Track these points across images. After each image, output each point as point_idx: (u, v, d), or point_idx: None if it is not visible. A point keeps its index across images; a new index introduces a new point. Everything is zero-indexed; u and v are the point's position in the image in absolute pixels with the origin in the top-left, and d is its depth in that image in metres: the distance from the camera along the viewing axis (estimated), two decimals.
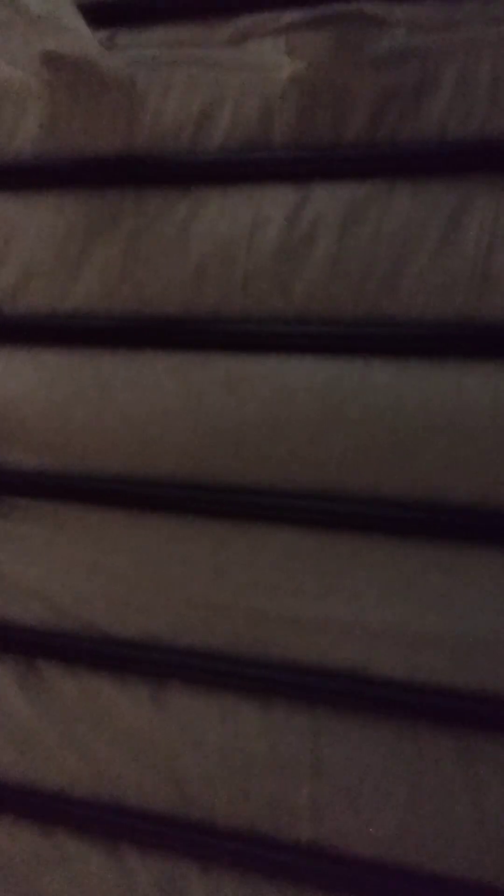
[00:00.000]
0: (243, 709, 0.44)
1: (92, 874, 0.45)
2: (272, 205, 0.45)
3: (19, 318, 0.49)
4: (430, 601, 0.42)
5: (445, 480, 0.42)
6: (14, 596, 0.48)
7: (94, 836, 0.45)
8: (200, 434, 0.45)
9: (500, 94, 0.43)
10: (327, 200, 0.44)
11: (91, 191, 0.49)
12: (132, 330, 0.47)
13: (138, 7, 0.51)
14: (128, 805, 0.45)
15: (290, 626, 0.44)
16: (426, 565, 0.42)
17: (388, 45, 0.44)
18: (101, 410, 0.47)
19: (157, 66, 0.48)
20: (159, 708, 0.45)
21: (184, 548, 0.46)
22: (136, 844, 0.45)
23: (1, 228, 0.50)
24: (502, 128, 0.42)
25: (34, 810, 0.47)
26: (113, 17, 0.51)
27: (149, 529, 0.47)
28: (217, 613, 0.45)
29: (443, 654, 0.41)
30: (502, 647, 0.40)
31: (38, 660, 0.48)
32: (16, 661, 0.48)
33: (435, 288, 0.42)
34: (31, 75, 0.49)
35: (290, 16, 0.46)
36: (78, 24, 0.48)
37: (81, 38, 0.48)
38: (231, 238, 0.45)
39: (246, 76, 0.46)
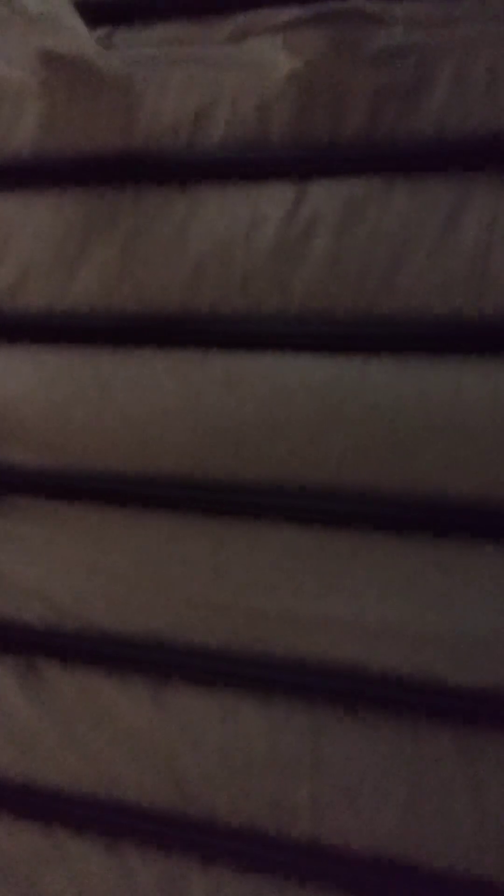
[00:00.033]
0: (243, 707, 0.44)
1: (92, 873, 0.45)
2: (270, 203, 0.45)
3: (18, 317, 0.49)
4: (430, 599, 0.42)
5: (445, 478, 0.42)
6: (13, 595, 0.48)
7: (94, 834, 0.45)
8: (200, 433, 0.45)
9: (497, 92, 0.43)
10: (325, 198, 0.44)
11: (89, 190, 0.49)
12: (131, 329, 0.47)
13: (136, 5, 0.51)
14: (128, 804, 0.45)
15: (291, 625, 0.44)
16: (426, 564, 0.42)
17: (386, 42, 0.44)
18: (100, 409, 0.47)
19: (155, 65, 0.48)
20: (159, 707, 0.45)
21: (183, 546, 0.46)
22: (136, 843, 0.44)
23: None
24: (500, 125, 0.42)
25: (34, 809, 0.46)
26: (110, 16, 0.51)
27: (148, 528, 0.47)
28: (217, 612, 0.45)
29: (443, 652, 0.41)
30: (502, 645, 0.40)
31: (37, 659, 0.47)
32: (15, 661, 0.48)
33: (434, 286, 0.42)
34: (28, 74, 0.50)
35: (288, 14, 0.46)
36: (75, 22, 0.48)
37: (79, 36, 0.48)
38: (229, 237, 0.45)
39: (243, 74, 0.46)
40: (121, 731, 0.46)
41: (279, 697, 0.43)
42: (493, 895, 0.40)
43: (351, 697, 0.43)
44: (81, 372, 0.48)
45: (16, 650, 0.48)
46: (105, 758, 0.46)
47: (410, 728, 0.41)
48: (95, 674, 0.46)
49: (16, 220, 0.49)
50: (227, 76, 0.47)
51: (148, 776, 0.45)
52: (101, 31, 0.51)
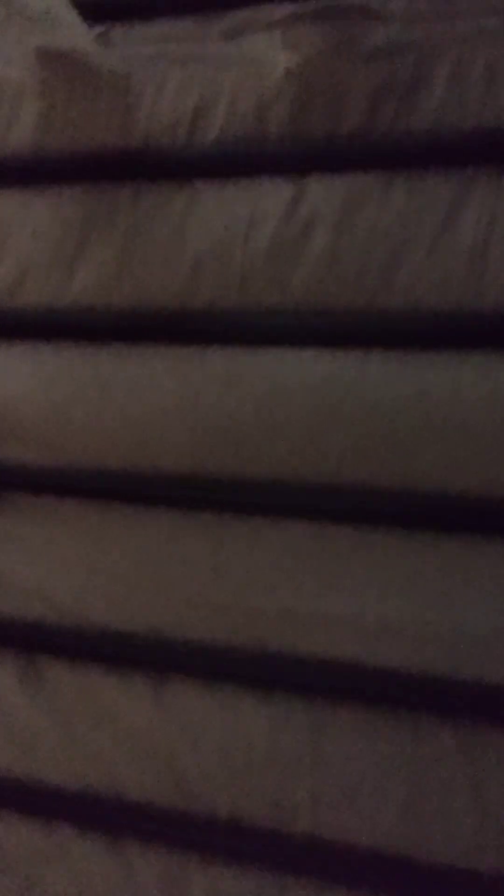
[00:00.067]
0: (244, 705, 0.44)
1: (93, 871, 0.45)
2: (268, 200, 0.45)
3: (16, 316, 0.49)
4: (431, 597, 0.42)
5: (445, 476, 0.42)
6: (13, 594, 0.48)
7: (94, 832, 0.45)
8: (199, 431, 0.45)
9: (496, 89, 0.42)
10: (323, 195, 0.44)
11: (88, 188, 0.49)
12: (130, 327, 0.47)
13: (133, 3, 0.51)
14: (128, 802, 0.45)
15: (291, 623, 0.44)
16: (426, 561, 0.42)
17: (384, 39, 0.44)
18: (99, 408, 0.47)
19: (153, 63, 0.48)
20: (159, 705, 0.45)
21: (183, 545, 0.46)
22: (136, 841, 0.45)
23: None
24: (498, 121, 0.42)
25: (35, 807, 0.47)
26: (108, 13, 0.51)
27: (148, 527, 0.47)
28: (217, 610, 0.45)
29: (443, 650, 0.41)
30: (502, 643, 0.40)
31: (37, 657, 0.48)
32: (15, 659, 0.48)
33: (433, 283, 0.42)
34: (26, 73, 0.50)
35: (286, 10, 0.46)
36: (74, 20, 0.48)
37: (77, 34, 0.48)
38: (228, 234, 0.45)
39: (241, 72, 0.46)
40: (121, 729, 0.46)
41: (279, 695, 0.43)
42: (494, 892, 0.40)
43: (351, 695, 0.43)
44: (81, 370, 0.48)
45: (16, 648, 0.48)
46: (105, 756, 0.46)
47: (411, 726, 0.41)
48: (95, 672, 0.46)
49: (14, 219, 0.49)
50: (225, 74, 0.47)
51: (148, 774, 0.45)
52: (99, 29, 0.51)
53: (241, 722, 0.44)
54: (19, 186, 0.50)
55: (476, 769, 0.40)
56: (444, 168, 0.43)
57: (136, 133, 0.47)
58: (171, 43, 0.49)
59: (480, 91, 0.43)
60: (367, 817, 0.42)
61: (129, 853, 0.45)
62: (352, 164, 0.44)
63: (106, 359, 0.47)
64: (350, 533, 0.43)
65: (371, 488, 0.43)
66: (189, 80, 0.47)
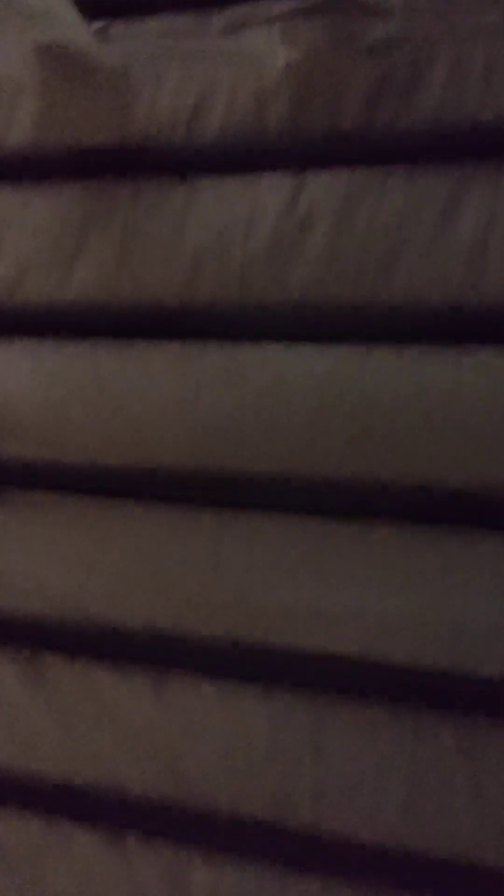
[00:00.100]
0: (244, 701, 0.44)
1: (94, 866, 0.45)
2: (268, 194, 0.45)
3: (15, 313, 0.49)
4: (430, 589, 0.42)
5: (445, 470, 0.42)
6: (12, 590, 0.48)
7: (96, 826, 0.45)
8: (199, 426, 0.45)
9: (494, 82, 0.42)
10: (323, 189, 0.44)
11: (86, 184, 0.48)
12: (129, 323, 0.47)
13: None
14: (130, 795, 0.45)
15: (291, 619, 0.44)
16: (427, 557, 0.42)
17: (383, 34, 0.44)
18: (99, 404, 0.47)
19: (152, 59, 0.48)
20: (160, 701, 0.45)
21: (183, 541, 0.46)
22: (137, 836, 0.45)
23: None
24: (497, 115, 0.42)
25: (35, 803, 0.47)
26: (106, 9, 0.51)
27: (148, 523, 0.47)
28: (217, 606, 0.45)
29: (444, 645, 0.41)
30: (502, 631, 0.40)
31: (37, 654, 0.48)
32: (16, 656, 0.48)
33: (432, 277, 0.42)
34: (24, 69, 0.49)
35: (284, 5, 0.46)
36: (72, 15, 0.48)
37: (75, 30, 0.48)
38: (227, 228, 0.45)
39: (240, 65, 0.46)
40: (121, 725, 0.46)
41: (280, 691, 0.43)
42: (494, 887, 0.40)
43: (352, 692, 0.43)
44: (80, 367, 0.48)
45: (16, 646, 0.48)
46: (106, 752, 0.46)
47: (411, 721, 0.41)
48: (96, 669, 0.46)
49: (13, 217, 0.49)
50: (224, 67, 0.47)
51: (149, 770, 0.45)
52: (98, 25, 0.51)
53: (241, 718, 0.44)
54: (18, 184, 0.50)
55: (476, 765, 0.40)
56: (443, 164, 0.43)
57: (135, 129, 0.47)
58: (169, 39, 0.49)
59: (479, 87, 0.43)
60: (368, 813, 0.42)
61: (130, 849, 0.45)
62: (351, 160, 0.44)
63: (105, 356, 0.47)
64: (350, 529, 0.43)
65: (371, 484, 0.43)
66: (188, 76, 0.47)
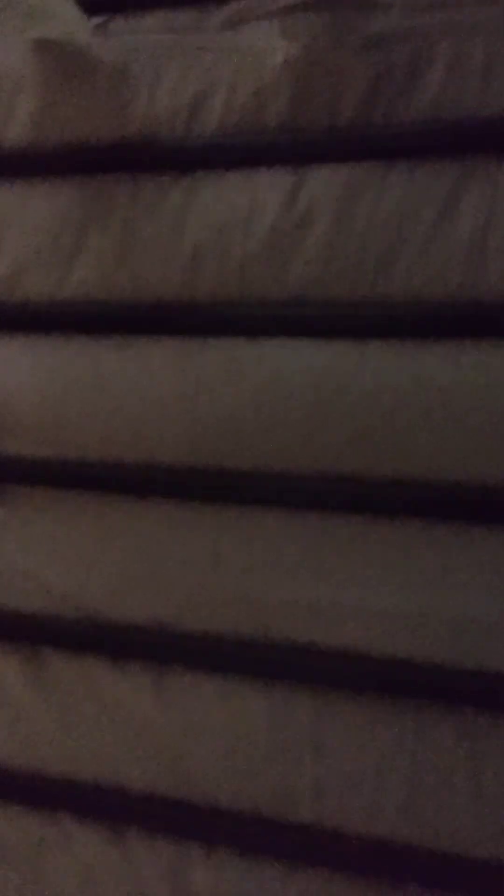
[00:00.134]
0: (245, 694, 0.44)
1: (96, 859, 0.45)
2: (268, 189, 0.45)
3: (15, 309, 0.49)
4: (429, 582, 0.42)
5: (443, 463, 0.42)
6: (15, 585, 0.48)
7: (97, 821, 0.45)
8: (198, 421, 0.45)
9: (493, 75, 0.42)
10: (323, 184, 0.44)
11: (85, 179, 0.48)
12: (129, 318, 0.47)
13: None
14: (130, 790, 0.45)
15: (291, 612, 0.44)
16: (425, 549, 0.42)
17: (382, 27, 0.44)
18: (98, 399, 0.47)
19: (151, 53, 0.48)
20: (161, 695, 0.45)
21: (183, 534, 0.46)
22: (139, 829, 0.45)
23: None
24: (497, 107, 0.42)
25: (37, 797, 0.47)
26: (106, 5, 0.51)
27: (148, 517, 0.47)
28: (217, 600, 0.45)
29: (442, 637, 0.41)
30: (501, 626, 0.40)
31: (39, 647, 0.48)
32: (17, 650, 0.48)
33: (430, 271, 0.42)
34: (23, 64, 0.49)
35: (283, 0, 0.46)
36: (71, 12, 0.48)
37: (75, 25, 0.48)
38: (227, 223, 0.45)
39: (239, 61, 0.46)
40: (122, 719, 0.46)
41: (280, 683, 0.44)
42: (494, 878, 0.40)
43: (352, 683, 0.43)
44: (80, 364, 0.48)
45: (18, 639, 0.48)
46: (108, 745, 0.46)
47: (411, 717, 0.42)
48: (97, 663, 0.46)
49: (12, 212, 0.49)
50: (223, 63, 0.47)
51: (150, 763, 0.45)
52: (97, 20, 0.51)
53: (242, 712, 0.44)
54: (17, 179, 0.50)
55: (476, 761, 0.40)
56: (442, 157, 0.43)
57: (134, 123, 0.47)
58: (169, 35, 0.49)
59: (478, 80, 0.43)
60: (369, 809, 0.42)
61: (131, 845, 0.45)
62: (350, 153, 0.44)
63: (105, 353, 0.47)
64: (350, 522, 0.43)
65: (370, 478, 0.43)
66: (187, 71, 0.47)
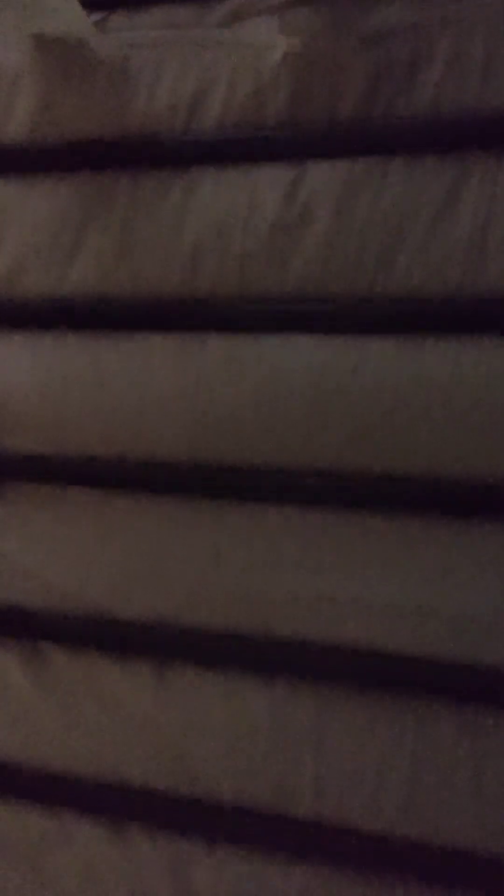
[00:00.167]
0: (246, 689, 0.44)
1: (97, 855, 0.45)
2: (268, 185, 0.45)
3: (15, 304, 0.49)
4: (431, 577, 0.42)
5: (444, 459, 0.42)
6: (16, 579, 0.48)
7: (99, 816, 0.45)
8: (198, 417, 0.45)
9: (493, 70, 0.42)
10: (323, 179, 0.44)
11: (85, 175, 0.48)
12: (129, 314, 0.47)
13: None
14: (132, 786, 0.45)
15: (292, 606, 0.44)
16: (426, 544, 0.42)
17: (382, 22, 0.44)
18: (98, 395, 0.47)
19: (151, 48, 0.48)
20: (163, 688, 0.45)
21: (184, 528, 0.46)
22: (140, 825, 0.45)
23: None
24: (497, 103, 0.42)
25: (39, 793, 0.47)
26: (106, 1, 0.51)
27: (149, 513, 0.47)
28: (219, 595, 0.45)
29: (444, 631, 0.41)
30: (502, 622, 0.41)
31: (40, 643, 0.48)
32: (19, 645, 0.48)
33: (431, 264, 0.42)
34: (23, 59, 0.49)
35: None
36: (71, 7, 0.48)
37: (75, 20, 0.48)
38: (227, 219, 0.45)
39: (239, 56, 0.46)
40: (124, 715, 0.46)
41: (282, 678, 0.44)
42: (495, 875, 0.40)
43: (353, 677, 0.43)
44: (80, 359, 0.48)
45: (19, 635, 0.48)
46: (109, 741, 0.46)
47: (413, 710, 0.42)
48: (98, 658, 0.47)
49: (12, 207, 0.49)
50: (222, 58, 0.46)
51: (152, 758, 0.45)
52: (97, 16, 0.51)
53: (243, 707, 0.44)
54: (17, 175, 0.50)
55: (477, 753, 0.41)
56: (442, 151, 0.43)
57: (134, 118, 0.47)
58: (169, 30, 0.49)
59: (478, 73, 0.43)
60: (370, 802, 0.42)
61: (133, 838, 0.45)
62: (350, 148, 0.44)
63: (105, 347, 0.47)
64: (350, 519, 0.44)
65: (371, 473, 0.43)
66: (187, 66, 0.47)
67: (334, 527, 0.44)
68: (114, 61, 0.48)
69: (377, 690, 0.42)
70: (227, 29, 0.48)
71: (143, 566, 0.46)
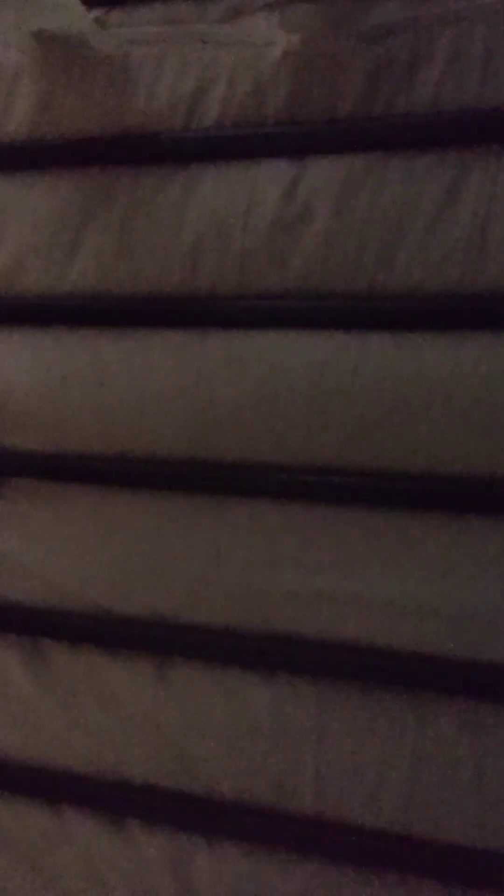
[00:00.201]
0: (247, 685, 0.44)
1: (98, 850, 0.45)
2: (268, 181, 0.45)
3: (15, 302, 0.49)
4: (431, 573, 0.42)
5: (444, 454, 0.42)
6: (16, 577, 0.48)
7: (100, 813, 0.46)
8: (199, 412, 0.45)
9: (493, 66, 0.42)
10: (323, 175, 0.44)
11: (85, 172, 0.48)
12: (129, 310, 0.47)
13: None
14: (134, 781, 0.45)
15: (292, 601, 0.44)
16: (426, 539, 0.42)
17: (381, 17, 0.44)
18: (99, 390, 0.47)
19: (151, 45, 0.48)
20: (163, 685, 0.45)
21: (184, 525, 0.46)
22: (141, 821, 0.45)
23: None
24: (496, 99, 0.42)
25: (40, 789, 0.47)
26: None
27: (149, 509, 0.47)
28: (219, 591, 0.45)
29: (444, 626, 0.41)
30: (502, 617, 0.41)
31: (41, 640, 0.48)
32: (20, 642, 0.48)
33: (431, 260, 0.42)
34: (23, 55, 0.49)
35: None
36: (71, 3, 0.48)
37: (75, 16, 0.48)
38: (227, 215, 0.45)
39: (239, 52, 0.46)
40: (125, 711, 0.46)
41: (283, 674, 0.44)
42: (496, 869, 0.40)
43: (353, 675, 0.43)
44: (80, 355, 0.48)
45: (20, 632, 0.48)
46: (110, 737, 0.46)
47: (414, 706, 0.42)
48: (99, 654, 0.47)
49: (12, 205, 0.49)
50: (222, 55, 0.46)
51: (153, 756, 0.45)
52: (97, 12, 0.51)
53: (244, 703, 0.44)
54: (17, 171, 0.50)
55: (478, 750, 0.41)
56: (442, 147, 0.43)
57: (134, 115, 0.47)
58: (169, 26, 0.49)
59: (478, 69, 0.42)
60: (370, 797, 0.42)
61: (134, 834, 0.45)
62: (350, 144, 0.44)
63: (105, 344, 0.47)
64: (351, 514, 0.44)
65: (371, 469, 0.43)
66: (187, 64, 0.47)
67: (334, 524, 0.44)
68: (114, 59, 0.48)
69: (377, 688, 0.42)
70: (226, 25, 0.48)
71: (144, 563, 0.46)
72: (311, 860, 0.42)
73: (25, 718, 0.48)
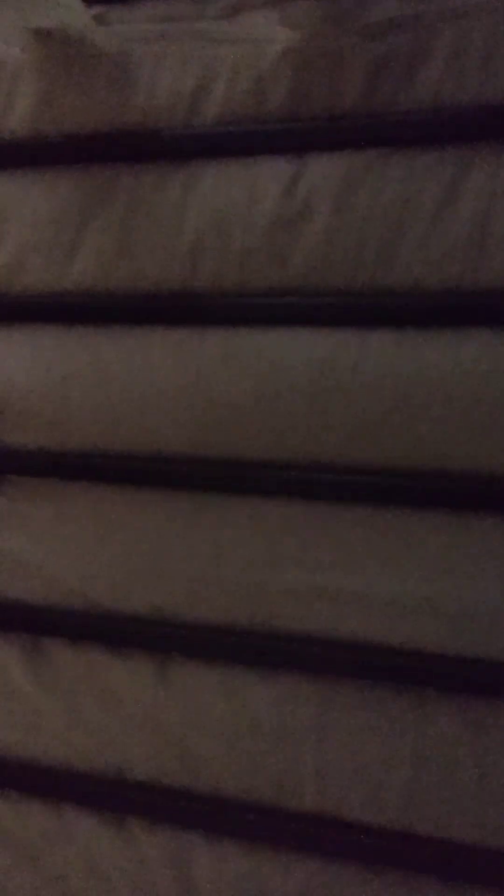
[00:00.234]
0: (248, 683, 0.44)
1: (99, 849, 0.45)
2: (268, 178, 0.45)
3: (16, 299, 0.49)
4: (431, 570, 0.42)
5: (444, 449, 0.42)
6: (17, 575, 0.49)
7: (101, 810, 0.46)
8: (199, 410, 0.45)
9: (493, 62, 0.42)
10: (323, 172, 0.44)
11: (86, 169, 0.48)
12: (129, 307, 0.47)
13: None
14: (134, 779, 0.45)
15: (293, 600, 0.44)
16: (426, 535, 0.42)
17: (382, 13, 0.44)
18: (99, 389, 0.47)
19: (151, 42, 0.48)
20: (164, 682, 0.45)
21: (185, 523, 0.46)
22: (142, 818, 0.45)
23: None
24: (497, 95, 0.42)
25: (41, 787, 0.47)
26: None
27: (149, 506, 0.47)
28: (220, 588, 0.45)
29: (445, 624, 0.41)
30: (503, 615, 0.40)
31: (42, 637, 0.48)
32: (20, 640, 0.48)
33: (432, 258, 0.42)
34: (23, 52, 0.49)
35: None
36: (72, 0, 0.48)
37: (75, 13, 0.48)
38: (227, 212, 0.45)
39: (239, 49, 0.46)
40: (125, 709, 0.46)
41: (283, 672, 0.44)
42: (497, 866, 0.40)
43: (354, 673, 0.43)
44: (80, 353, 0.48)
45: (20, 629, 0.48)
46: (110, 735, 0.46)
47: (414, 701, 0.42)
48: (100, 653, 0.47)
49: (12, 203, 0.49)
50: (222, 51, 0.46)
51: (153, 753, 0.45)
52: (97, 9, 0.51)
53: (245, 700, 0.44)
54: (17, 169, 0.50)
55: (479, 748, 0.41)
56: (442, 143, 0.43)
57: (134, 112, 0.47)
58: (169, 23, 0.49)
59: (479, 66, 0.42)
60: (371, 795, 0.42)
61: (134, 833, 0.45)
62: (351, 141, 0.44)
63: (106, 341, 0.47)
64: (352, 511, 0.44)
65: (371, 467, 0.43)
66: (187, 59, 0.47)
67: (335, 522, 0.44)
68: (114, 56, 0.48)
69: (378, 686, 0.42)
70: (227, 22, 0.48)
71: (144, 562, 0.46)
72: (311, 858, 0.42)
73: (26, 717, 0.48)
